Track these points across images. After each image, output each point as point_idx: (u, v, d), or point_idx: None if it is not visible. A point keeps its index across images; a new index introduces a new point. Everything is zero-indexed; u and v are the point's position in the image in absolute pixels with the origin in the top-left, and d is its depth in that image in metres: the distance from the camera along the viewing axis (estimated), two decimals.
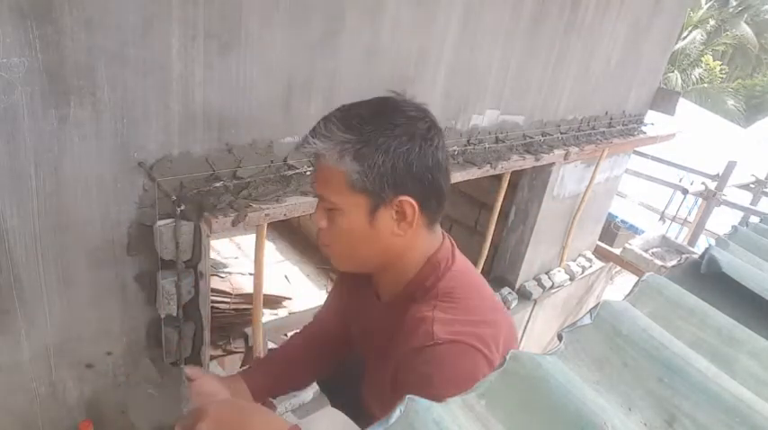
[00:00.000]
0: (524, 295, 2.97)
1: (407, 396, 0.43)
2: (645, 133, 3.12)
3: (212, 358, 2.14)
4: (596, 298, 3.89)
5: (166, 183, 1.24)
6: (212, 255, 2.55)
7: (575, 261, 3.38)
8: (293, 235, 3.98)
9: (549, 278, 3.10)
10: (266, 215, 1.34)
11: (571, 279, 3.24)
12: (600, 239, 3.71)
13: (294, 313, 2.89)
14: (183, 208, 1.23)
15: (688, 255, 3.59)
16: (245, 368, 1.30)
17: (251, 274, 2.78)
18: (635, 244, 3.80)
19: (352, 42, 1.46)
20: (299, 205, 1.41)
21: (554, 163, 2.49)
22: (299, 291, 3.27)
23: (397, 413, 0.41)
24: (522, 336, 3.16)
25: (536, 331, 3.29)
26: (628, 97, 2.98)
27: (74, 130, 1.08)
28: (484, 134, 2.11)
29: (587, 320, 0.59)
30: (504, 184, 2.41)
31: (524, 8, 1.94)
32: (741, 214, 4.40)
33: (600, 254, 3.67)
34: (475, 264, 2.01)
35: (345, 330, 1.22)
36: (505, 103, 2.13)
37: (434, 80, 1.76)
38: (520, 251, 2.87)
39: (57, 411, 1.37)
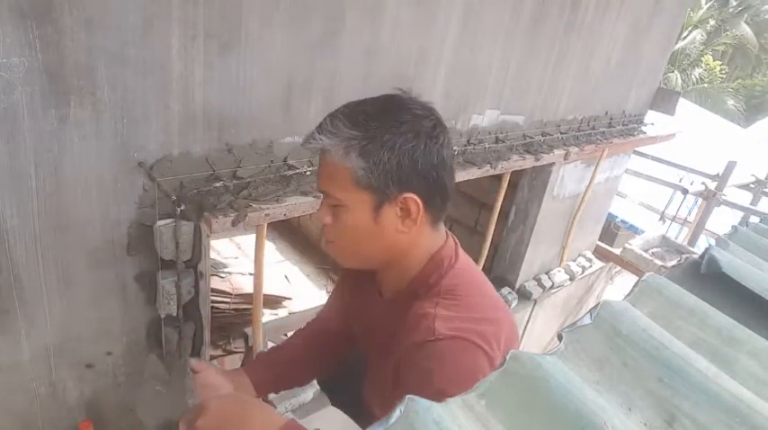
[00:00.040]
0: (524, 295, 2.97)
1: (407, 396, 0.43)
2: (645, 133, 3.12)
3: (212, 358, 2.14)
4: (596, 298, 3.89)
5: (166, 183, 1.24)
6: (212, 255, 2.55)
7: (575, 261, 3.38)
8: (293, 235, 3.98)
9: (549, 278, 3.10)
10: (266, 215, 1.34)
11: (571, 279, 3.24)
12: (600, 239, 3.71)
13: (294, 313, 2.89)
14: (182, 208, 1.23)
15: (688, 255, 3.59)
16: (248, 362, 1.31)
17: (251, 274, 2.78)
18: (635, 244, 3.80)
19: (352, 42, 1.46)
20: (299, 205, 1.41)
21: (554, 163, 2.49)
22: (299, 291, 3.26)
23: (397, 413, 0.41)
24: (522, 336, 3.16)
25: (536, 331, 3.29)
26: (628, 97, 2.98)
27: (74, 130, 1.08)
28: (484, 134, 2.11)
29: (587, 320, 0.59)
30: (504, 184, 2.41)
31: (524, 8, 1.94)
32: (741, 214, 4.40)
33: (600, 254, 3.67)
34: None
35: (347, 328, 1.22)
36: (505, 102, 2.13)
37: (434, 80, 1.76)
38: (520, 251, 2.87)
39: (57, 411, 1.37)
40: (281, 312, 2.98)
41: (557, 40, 2.19)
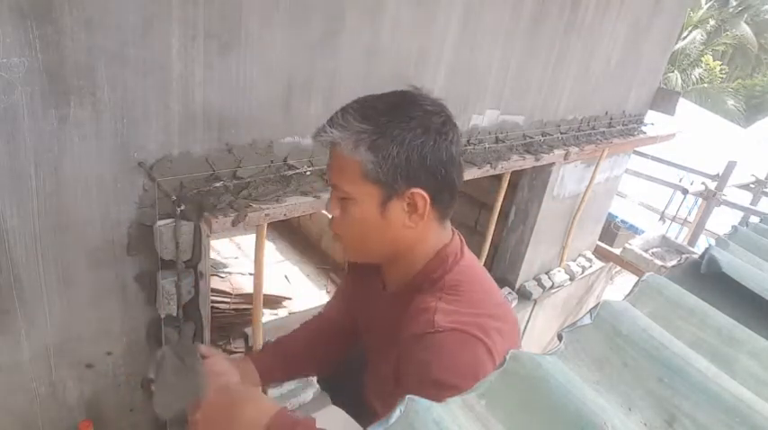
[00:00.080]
0: (524, 295, 2.97)
1: (408, 396, 0.43)
2: (645, 133, 3.12)
3: None
4: (596, 298, 3.89)
5: (166, 183, 1.24)
6: (212, 255, 2.55)
7: (575, 261, 3.38)
8: (293, 235, 3.98)
9: (549, 278, 3.10)
10: (266, 215, 1.34)
11: (571, 279, 3.24)
12: (600, 239, 3.71)
13: (294, 313, 2.89)
14: (183, 208, 1.23)
15: (688, 255, 3.59)
16: (254, 351, 1.32)
17: (251, 274, 2.78)
18: (635, 244, 3.80)
19: (352, 42, 1.46)
20: (299, 205, 1.41)
21: (554, 163, 2.49)
22: (299, 291, 3.26)
23: (397, 413, 0.41)
24: (522, 336, 3.16)
25: (536, 331, 3.29)
26: (628, 97, 2.98)
27: (74, 130, 1.08)
28: (484, 134, 2.11)
29: (587, 320, 0.59)
30: (504, 184, 2.41)
31: (524, 8, 1.94)
32: (741, 214, 4.40)
33: (600, 254, 3.67)
34: None
35: (352, 321, 1.22)
36: (505, 102, 2.13)
37: (434, 80, 1.76)
38: (520, 251, 2.87)
39: (57, 411, 1.37)
40: (281, 312, 2.98)
41: (557, 40, 2.19)
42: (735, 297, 0.76)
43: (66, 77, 1.02)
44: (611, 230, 4.24)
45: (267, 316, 2.82)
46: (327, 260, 3.74)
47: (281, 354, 1.26)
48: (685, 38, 17.64)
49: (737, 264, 0.80)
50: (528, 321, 3.11)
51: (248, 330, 2.43)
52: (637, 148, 3.44)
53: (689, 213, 4.97)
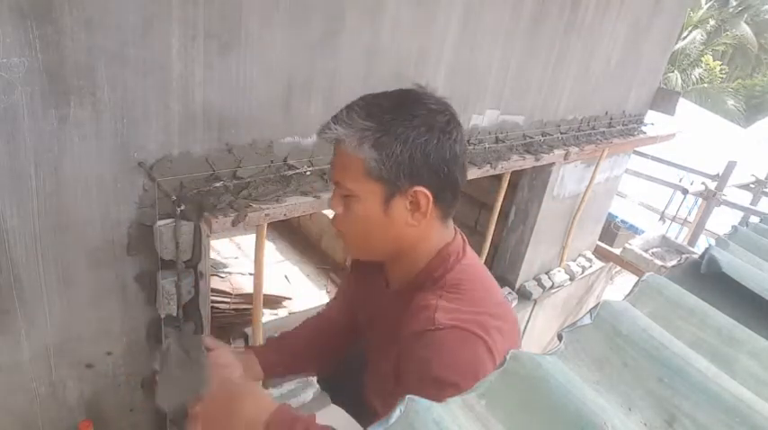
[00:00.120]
0: (524, 295, 2.97)
1: (408, 396, 0.43)
2: (645, 133, 3.12)
3: None
4: (596, 298, 3.89)
5: (166, 183, 1.24)
6: (212, 255, 2.56)
7: (575, 261, 3.38)
8: (293, 235, 3.98)
9: (549, 278, 3.10)
10: (266, 215, 1.34)
11: (571, 279, 3.24)
12: (600, 239, 3.71)
13: (294, 313, 2.89)
14: (182, 208, 1.23)
15: (688, 255, 3.59)
16: (257, 344, 1.33)
17: (251, 274, 2.78)
18: (635, 244, 3.80)
19: (352, 42, 1.46)
20: (299, 205, 1.41)
21: (554, 163, 2.49)
22: (299, 291, 3.26)
23: (397, 413, 0.41)
24: (522, 336, 3.16)
25: (536, 331, 3.29)
26: (628, 97, 2.98)
27: (74, 130, 1.08)
28: (484, 134, 2.11)
29: (587, 320, 0.59)
30: (504, 184, 2.41)
31: (524, 8, 1.94)
32: (741, 214, 4.40)
33: (600, 254, 3.67)
34: None
35: (353, 320, 1.23)
36: (505, 102, 2.13)
37: (434, 80, 1.76)
38: (520, 251, 2.86)
39: (57, 411, 1.37)
40: (281, 312, 2.98)
41: (557, 40, 2.19)
42: (735, 297, 0.76)
43: (66, 77, 1.02)
44: (611, 230, 4.23)
45: (267, 316, 2.82)
46: (327, 260, 3.74)
47: (284, 350, 1.26)
48: (685, 38, 17.64)
49: (737, 264, 0.80)
50: (528, 321, 3.11)
51: (248, 330, 2.43)
52: (637, 148, 3.44)
53: (689, 213, 4.97)
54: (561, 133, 2.51)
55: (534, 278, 3.06)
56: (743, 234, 1.02)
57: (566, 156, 2.43)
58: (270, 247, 3.71)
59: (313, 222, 3.90)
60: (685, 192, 4.44)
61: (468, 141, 2.03)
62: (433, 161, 0.88)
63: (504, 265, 2.97)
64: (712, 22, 18.09)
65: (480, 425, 0.45)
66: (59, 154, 1.09)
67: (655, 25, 2.81)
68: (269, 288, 2.80)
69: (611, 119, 2.90)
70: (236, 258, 3.32)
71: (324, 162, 1.55)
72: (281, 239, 3.91)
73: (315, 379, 1.99)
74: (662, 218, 4.93)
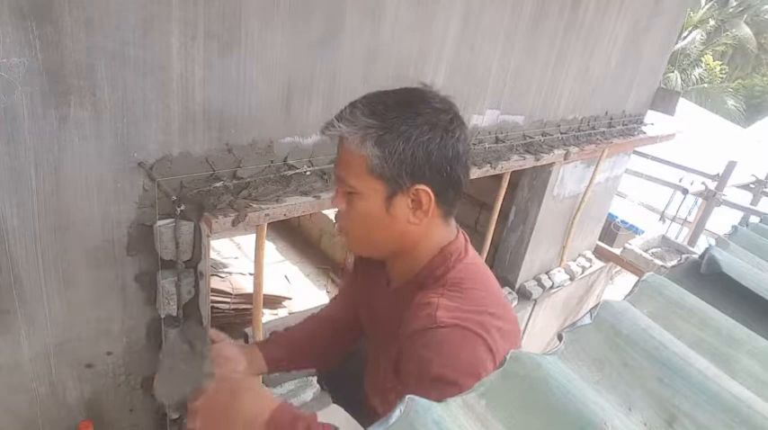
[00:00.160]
0: (524, 295, 2.97)
1: (408, 396, 0.43)
2: (645, 133, 3.12)
3: None
4: (596, 298, 3.89)
5: (166, 183, 1.24)
6: (212, 255, 2.55)
7: (575, 261, 3.38)
8: (293, 235, 3.98)
9: (549, 278, 3.10)
10: (266, 215, 1.34)
11: (571, 279, 3.24)
12: (600, 239, 3.71)
13: (294, 313, 2.90)
14: (182, 208, 1.23)
15: (688, 255, 3.59)
16: (261, 339, 1.33)
17: (251, 274, 2.78)
18: (635, 244, 3.81)
19: (352, 42, 1.46)
20: (299, 205, 1.41)
21: (554, 163, 2.49)
22: (299, 291, 3.27)
23: (397, 413, 0.41)
24: (522, 336, 3.16)
25: (536, 331, 3.29)
26: (628, 97, 2.98)
27: (74, 130, 1.08)
28: (484, 134, 2.11)
29: (587, 320, 0.59)
30: (504, 184, 2.41)
31: (524, 8, 1.94)
32: (741, 214, 4.39)
33: (600, 254, 3.67)
34: None
35: (355, 318, 1.23)
36: (505, 102, 2.13)
37: (434, 80, 1.76)
38: (520, 251, 2.87)
39: (57, 411, 1.37)
40: (281, 312, 2.98)
41: (557, 41, 2.19)
42: (735, 297, 0.76)
43: (66, 77, 1.02)
44: (611, 230, 4.24)
45: (267, 316, 2.82)
46: (327, 260, 3.74)
47: (288, 345, 1.27)
48: (685, 38, 17.64)
49: (737, 264, 0.80)
50: (528, 321, 3.11)
51: (248, 330, 2.43)
52: (637, 148, 3.44)
53: (689, 213, 4.97)
54: (561, 133, 2.51)
55: (534, 278, 3.06)
56: (743, 234, 1.02)
57: (566, 156, 2.43)
58: (270, 247, 3.71)
59: (313, 222, 3.90)
60: (685, 192, 4.44)
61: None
62: (435, 160, 0.89)
63: (504, 265, 2.97)
64: (712, 22, 18.08)
65: (480, 425, 0.45)
66: (59, 154, 1.09)
67: (655, 25, 2.81)
68: (269, 288, 2.80)
69: (611, 119, 2.90)
70: (236, 258, 3.32)
71: (323, 162, 1.55)
72: (281, 239, 3.91)
73: (315, 379, 1.99)
74: (662, 218, 4.93)
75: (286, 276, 3.44)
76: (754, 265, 0.87)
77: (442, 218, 0.98)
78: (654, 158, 4.59)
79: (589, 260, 3.47)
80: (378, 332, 1.10)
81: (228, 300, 2.65)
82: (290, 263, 3.67)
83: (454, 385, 0.78)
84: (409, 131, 0.86)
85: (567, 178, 2.77)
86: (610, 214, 4.02)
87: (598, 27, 2.39)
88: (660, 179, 4.70)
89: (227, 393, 0.85)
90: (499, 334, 0.89)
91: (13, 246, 1.11)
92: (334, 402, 1.53)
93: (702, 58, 18.29)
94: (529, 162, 2.22)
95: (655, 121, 3.28)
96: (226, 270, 2.96)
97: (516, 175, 2.61)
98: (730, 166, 4.33)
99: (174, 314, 1.39)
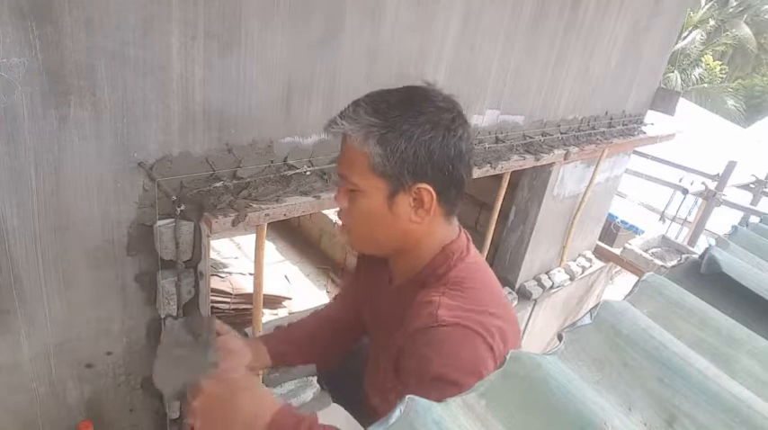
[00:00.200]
0: (524, 295, 2.97)
1: (408, 396, 0.43)
2: (645, 133, 3.12)
3: None
4: (596, 298, 3.89)
5: (166, 183, 1.24)
6: (212, 255, 2.55)
7: (575, 261, 3.38)
8: (293, 235, 3.98)
9: (549, 278, 3.10)
10: (266, 215, 1.34)
11: (571, 279, 3.24)
12: (600, 239, 3.71)
13: (294, 313, 2.89)
14: (182, 208, 1.23)
15: (688, 255, 3.59)
16: (266, 333, 1.34)
17: (251, 274, 2.78)
18: (635, 244, 3.80)
19: (352, 42, 1.46)
20: (299, 205, 1.41)
21: (554, 163, 2.49)
22: (299, 291, 3.27)
23: (397, 413, 0.41)
24: (522, 336, 3.16)
25: (536, 331, 3.29)
26: (628, 97, 2.98)
27: (74, 130, 1.08)
28: (484, 134, 2.11)
29: (587, 320, 0.59)
30: (504, 184, 2.41)
31: (524, 8, 1.94)
32: (741, 214, 4.39)
33: (600, 254, 3.67)
34: None
35: (358, 316, 1.23)
36: (505, 102, 2.13)
37: (434, 80, 1.76)
38: (520, 251, 2.87)
39: (57, 411, 1.37)
40: (281, 312, 2.98)
41: (557, 40, 2.19)
42: (735, 297, 0.76)
43: (66, 77, 1.02)
44: (611, 230, 4.24)
45: (267, 316, 2.82)
46: (327, 260, 3.74)
47: (292, 341, 1.27)
48: (685, 38, 17.63)
49: (737, 264, 0.80)
50: (528, 321, 3.11)
51: (248, 330, 2.43)
52: (637, 148, 3.44)
53: (689, 213, 4.97)
54: (561, 133, 2.51)
55: (534, 278, 3.06)
56: (743, 234, 1.02)
57: (566, 156, 2.43)
58: (270, 247, 3.71)
59: (313, 222, 3.90)
60: (685, 192, 4.44)
61: None
62: (437, 158, 0.89)
63: (504, 265, 2.97)
64: (712, 22, 18.07)
65: (480, 425, 0.45)
66: (59, 154, 1.09)
67: (654, 25, 2.81)
68: (269, 288, 2.80)
69: (611, 119, 2.90)
70: (236, 258, 3.32)
71: (323, 162, 1.55)
72: (281, 239, 3.91)
73: (315, 379, 1.99)
74: (662, 218, 4.92)
75: (286, 276, 3.44)
76: (754, 265, 0.87)
77: (444, 216, 0.98)
78: (654, 158, 4.59)
79: (589, 260, 3.47)
80: (379, 330, 1.11)
81: (228, 300, 2.65)
82: (290, 263, 3.67)
83: (455, 384, 0.78)
84: (411, 130, 0.87)
85: (567, 178, 2.77)
86: (610, 214, 4.02)
87: (598, 27, 2.39)
88: (660, 179, 4.70)
89: (228, 395, 0.85)
90: (499, 333, 0.89)
91: (13, 246, 1.11)
92: (334, 402, 1.53)
93: (702, 58, 18.29)
94: (529, 162, 2.22)
95: (655, 121, 3.28)
96: (226, 270, 2.96)
97: (516, 175, 2.61)
98: (730, 166, 4.33)
99: (174, 314, 1.39)
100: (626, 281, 4.94)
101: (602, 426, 0.45)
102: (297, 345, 1.27)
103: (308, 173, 1.48)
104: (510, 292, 2.89)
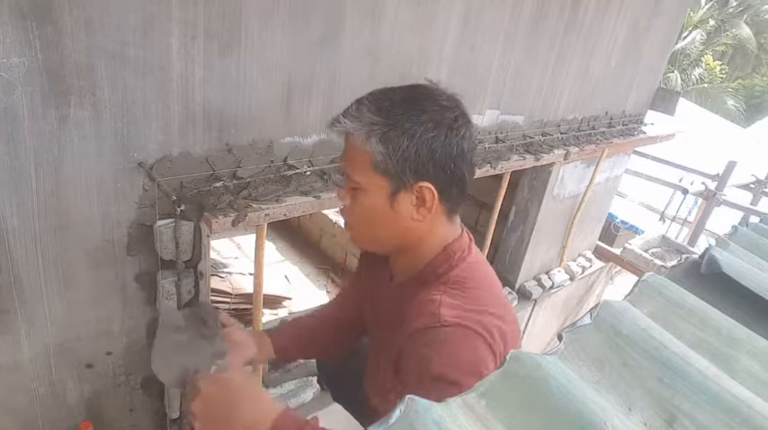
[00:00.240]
0: (524, 295, 2.97)
1: (408, 396, 0.43)
2: (645, 133, 3.12)
3: None
4: (596, 298, 3.89)
5: (166, 183, 1.24)
6: (212, 255, 2.56)
7: (575, 261, 3.38)
8: (293, 235, 3.98)
9: (549, 278, 3.10)
10: (266, 215, 1.34)
11: (571, 279, 3.24)
12: (600, 239, 3.71)
13: (294, 313, 2.90)
14: (182, 208, 1.23)
15: (688, 255, 3.58)
16: (271, 326, 1.34)
17: (251, 274, 2.78)
18: (635, 244, 3.80)
19: (352, 42, 1.46)
20: (299, 205, 1.41)
21: (554, 163, 2.49)
22: (299, 291, 3.27)
23: (397, 413, 0.41)
24: (522, 336, 3.16)
25: (536, 331, 3.29)
26: (628, 97, 2.98)
27: (74, 130, 1.08)
28: (484, 134, 2.11)
29: (587, 320, 0.59)
30: (504, 184, 2.41)
31: (524, 8, 1.94)
32: (741, 214, 4.39)
33: (600, 254, 3.67)
34: None
35: (359, 314, 1.23)
36: (505, 102, 2.13)
37: (434, 80, 1.76)
38: (520, 251, 2.87)
39: (57, 411, 1.37)
40: (281, 312, 2.98)
41: (557, 41, 2.19)
42: (735, 297, 0.76)
43: (66, 77, 1.02)
44: (611, 230, 4.24)
45: (267, 316, 2.82)
46: (327, 260, 3.74)
47: (296, 336, 1.28)
48: (685, 38, 17.63)
49: (737, 264, 0.80)
50: (528, 321, 3.11)
51: (248, 330, 2.43)
52: (637, 148, 3.44)
53: (689, 213, 4.97)
54: (561, 133, 2.51)
55: (534, 278, 3.06)
56: (743, 234, 1.02)
57: (566, 156, 2.43)
58: (270, 247, 3.71)
59: (313, 222, 3.90)
60: (685, 192, 4.43)
61: None
62: (439, 157, 0.89)
63: (504, 265, 2.97)
64: (712, 22, 18.07)
65: (480, 425, 0.45)
66: (59, 154, 1.09)
67: (655, 25, 2.81)
68: (269, 288, 2.80)
69: (611, 119, 2.90)
70: (236, 258, 3.32)
71: (323, 162, 1.55)
72: (281, 239, 3.91)
73: (315, 379, 1.99)
74: (662, 218, 4.92)
75: (286, 276, 3.44)
76: (754, 265, 0.87)
77: (446, 215, 0.98)
78: (654, 158, 4.59)
79: (589, 260, 3.47)
80: (380, 328, 1.11)
81: (228, 300, 2.65)
82: (290, 263, 3.67)
83: (455, 384, 0.78)
84: (413, 129, 0.87)
85: (567, 178, 2.77)
86: (610, 214, 4.01)
87: (598, 27, 2.39)
88: (660, 179, 4.70)
89: (228, 399, 0.84)
90: (500, 333, 0.89)
91: (13, 246, 1.11)
92: (334, 401, 1.53)
93: (702, 58, 18.29)
94: (529, 162, 2.22)
95: (655, 121, 3.28)
96: (226, 270, 2.96)
97: (516, 175, 2.61)
98: (730, 166, 4.33)
99: None
100: (626, 281, 4.94)
101: (602, 426, 0.45)
102: (299, 342, 1.27)
103: (308, 173, 1.48)
104: (510, 292, 2.89)
